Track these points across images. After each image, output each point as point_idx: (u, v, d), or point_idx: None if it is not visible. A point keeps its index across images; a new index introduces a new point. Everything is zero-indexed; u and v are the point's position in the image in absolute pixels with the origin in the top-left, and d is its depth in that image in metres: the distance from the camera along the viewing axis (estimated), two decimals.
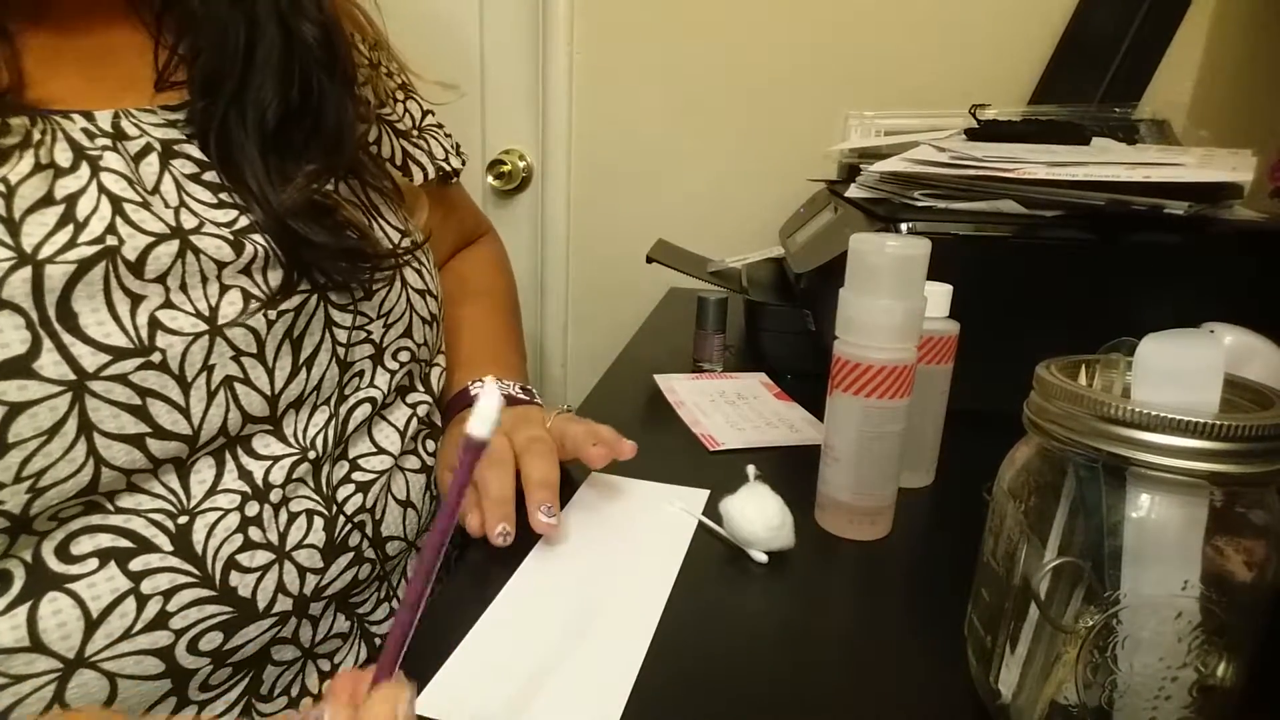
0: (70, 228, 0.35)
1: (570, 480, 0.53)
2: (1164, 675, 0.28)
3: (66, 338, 0.34)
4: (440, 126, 0.62)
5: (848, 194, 0.72)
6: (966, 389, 0.53)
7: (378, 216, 0.49)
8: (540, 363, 1.37)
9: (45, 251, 0.34)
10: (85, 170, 0.36)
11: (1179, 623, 0.27)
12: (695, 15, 1.12)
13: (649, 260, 0.85)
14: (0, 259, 0.33)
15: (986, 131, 0.74)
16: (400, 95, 0.58)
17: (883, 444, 0.45)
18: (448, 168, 0.60)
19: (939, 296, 0.51)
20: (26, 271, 0.33)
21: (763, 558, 0.44)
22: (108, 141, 0.38)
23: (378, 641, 0.49)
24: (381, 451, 0.47)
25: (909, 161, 0.66)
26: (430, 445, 0.53)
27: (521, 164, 1.26)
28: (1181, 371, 0.27)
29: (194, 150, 0.41)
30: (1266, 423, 0.25)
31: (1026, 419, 0.31)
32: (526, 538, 0.45)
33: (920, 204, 0.64)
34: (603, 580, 0.42)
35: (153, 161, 0.39)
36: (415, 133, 0.58)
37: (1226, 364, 0.27)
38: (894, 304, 0.43)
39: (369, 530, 0.46)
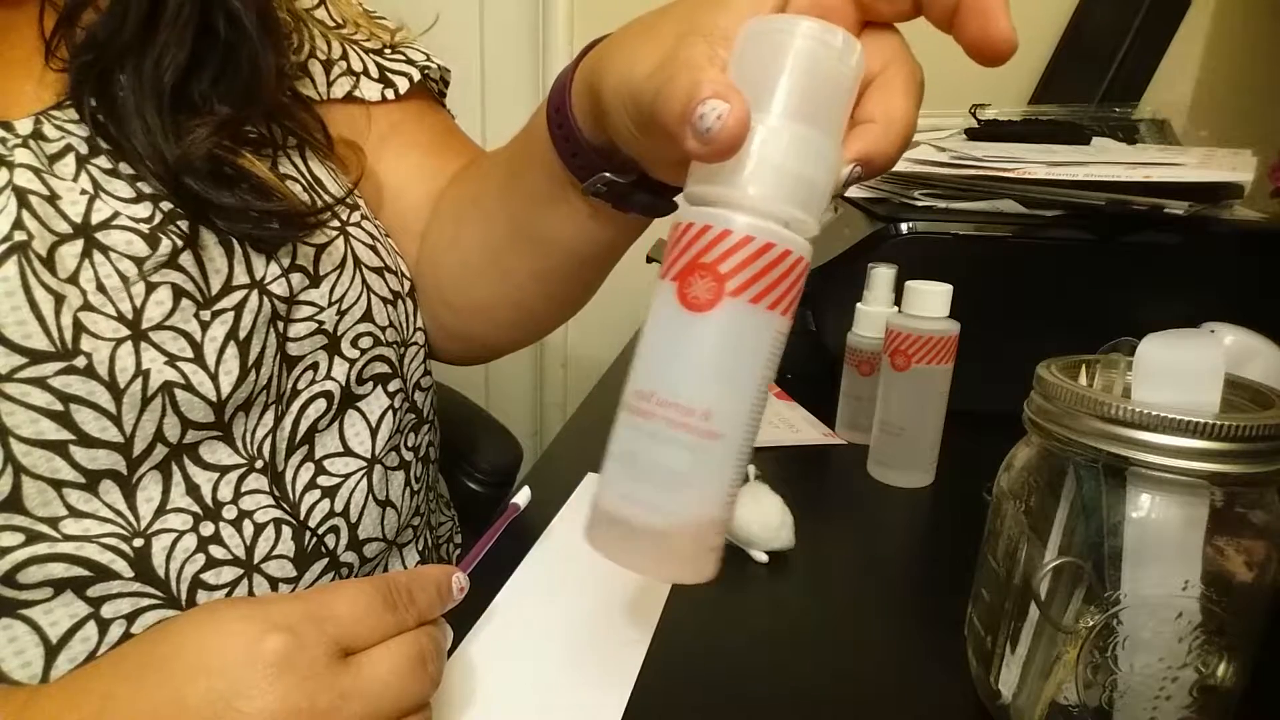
0: None
1: (568, 481, 0.53)
2: (1164, 675, 0.27)
3: None
4: (414, 44, 0.55)
5: (847, 193, 0.72)
6: (966, 389, 0.53)
7: (304, 170, 0.44)
8: (540, 362, 1.37)
9: None
10: (2, 174, 0.35)
11: (1179, 623, 0.27)
12: None
13: (649, 260, 0.85)
14: None
15: (986, 131, 0.74)
16: (363, 21, 0.53)
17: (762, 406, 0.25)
18: (433, 65, 0.55)
19: (939, 296, 0.51)
20: None
21: (763, 558, 0.44)
22: (19, 141, 0.36)
23: None
24: (349, 453, 0.45)
25: (909, 161, 0.66)
26: (411, 439, 0.50)
27: None
28: (1181, 371, 0.27)
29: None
30: (1266, 423, 0.25)
31: (1027, 419, 0.31)
32: (525, 539, 0.45)
33: (920, 204, 0.64)
34: (602, 581, 0.42)
35: (69, 162, 0.37)
36: (389, 50, 0.53)
37: (1226, 364, 0.27)
38: (805, 131, 0.24)
39: (344, 534, 0.44)
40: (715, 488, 0.24)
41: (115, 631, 0.36)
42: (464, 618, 0.38)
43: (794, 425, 0.63)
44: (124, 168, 0.37)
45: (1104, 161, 0.60)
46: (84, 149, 0.37)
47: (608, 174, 0.36)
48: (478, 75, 1.25)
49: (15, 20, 0.38)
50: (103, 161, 0.37)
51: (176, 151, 0.37)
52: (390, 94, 0.52)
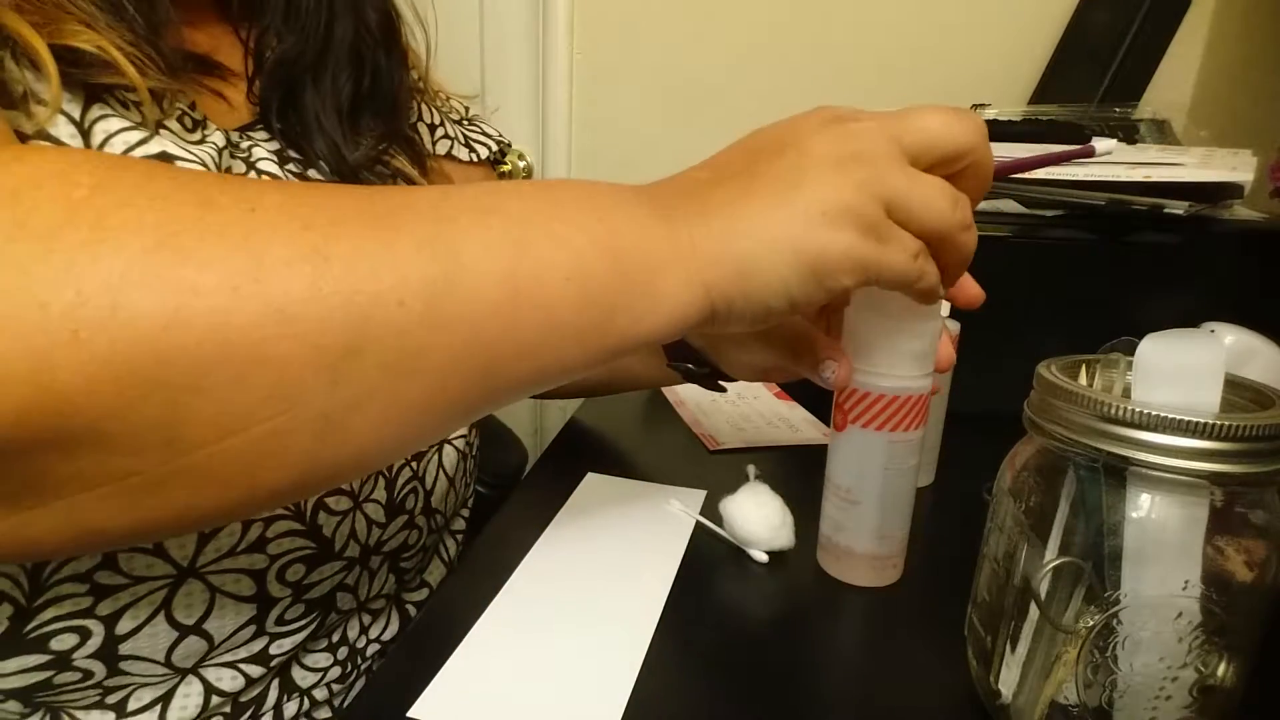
0: None
1: (567, 480, 0.53)
2: (1164, 675, 0.27)
3: None
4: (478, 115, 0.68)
5: None
6: (966, 389, 0.53)
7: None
8: None
9: None
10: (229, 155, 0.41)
11: (1179, 623, 0.27)
12: (695, 15, 1.12)
13: None
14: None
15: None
16: (444, 91, 0.64)
17: (906, 480, 0.41)
18: (505, 140, 0.66)
19: None
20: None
21: (763, 557, 0.44)
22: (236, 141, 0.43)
23: (411, 610, 0.51)
24: None
25: None
26: (466, 431, 0.54)
27: (521, 164, 1.26)
28: (1181, 371, 0.27)
29: (275, 169, 0.45)
30: (1266, 423, 0.25)
31: (1027, 419, 0.31)
32: (526, 538, 0.45)
33: None
34: (602, 581, 0.42)
35: (262, 168, 0.44)
36: (467, 122, 0.64)
37: (1226, 364, 0.27)
38: (924, 326, 0.39)
39: (420, 498, 0.48)
40: (867, 530, 0.42)
41: (255, 531, 0.39)
42: (463, 618, 0.38)
43: (794, 425, 0.63)
44: (311, 173, 0.45)
45: (1104, 161, 0.60)
46: (247, 169, 0.43)
47: (690, 365, 0.49)
48: (478, 75, 1.24)
49: (223, 38, 0.46)
50: (291, 168, 0.45)
51: (355, 154, 0.47)
52: (474, 157, 0.63)
